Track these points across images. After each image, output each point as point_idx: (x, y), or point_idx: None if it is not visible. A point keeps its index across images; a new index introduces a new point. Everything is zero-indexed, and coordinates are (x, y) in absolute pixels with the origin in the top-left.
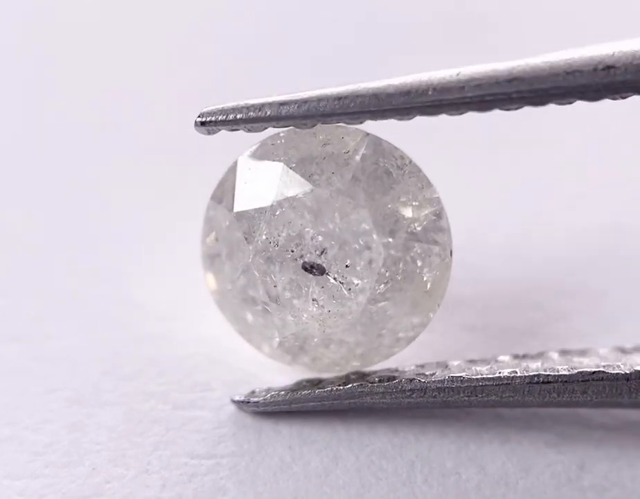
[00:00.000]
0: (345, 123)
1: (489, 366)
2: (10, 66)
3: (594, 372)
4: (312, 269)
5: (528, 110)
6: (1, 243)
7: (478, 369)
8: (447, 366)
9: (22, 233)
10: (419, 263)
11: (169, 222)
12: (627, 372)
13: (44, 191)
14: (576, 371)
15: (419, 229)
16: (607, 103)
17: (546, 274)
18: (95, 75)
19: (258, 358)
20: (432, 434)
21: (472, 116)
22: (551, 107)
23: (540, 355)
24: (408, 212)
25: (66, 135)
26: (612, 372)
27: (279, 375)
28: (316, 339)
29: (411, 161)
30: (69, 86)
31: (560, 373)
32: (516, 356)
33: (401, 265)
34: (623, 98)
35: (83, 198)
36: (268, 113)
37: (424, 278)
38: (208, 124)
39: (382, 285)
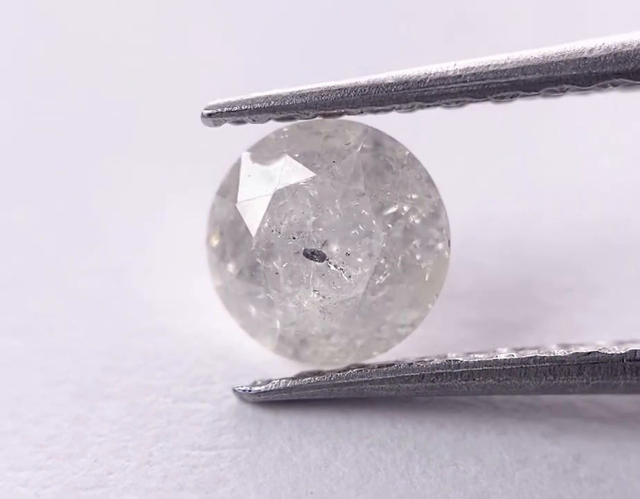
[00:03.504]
0: (346, 113)
1: (487, 354)
2: (12, 61)
3: (589, 353)
4: (313, 255)
5: (526, 106)
6: (4, 238)
7: (476, 355)
8: (445, 358)
9: (24, 228)
10: (418, 256)
11: (172, 217)
12: (623, 352)
13: (46, 186)
14: (572, 352)
15: (418, 222)
16: (606, 97)
17: (543, 269)
18: (99, 70)
19: (258, 353)
20: (430, 426)
21: (471, 112)
22: (552, 104)
23: (538, 348)
24: (407, 205)
25: (70, 131)
26: (607, 353)
27: (280, 369)
28: (316, 328)
29: (410, 155)
30: (73, 82)
31: (556, 355)
32: (515, 349)
33: (400, 257)
34: (614, 85)
35: (86, 193)
36: (272, 103)
37: (423, 271)
38: (214, 115)
39: (381, 277)
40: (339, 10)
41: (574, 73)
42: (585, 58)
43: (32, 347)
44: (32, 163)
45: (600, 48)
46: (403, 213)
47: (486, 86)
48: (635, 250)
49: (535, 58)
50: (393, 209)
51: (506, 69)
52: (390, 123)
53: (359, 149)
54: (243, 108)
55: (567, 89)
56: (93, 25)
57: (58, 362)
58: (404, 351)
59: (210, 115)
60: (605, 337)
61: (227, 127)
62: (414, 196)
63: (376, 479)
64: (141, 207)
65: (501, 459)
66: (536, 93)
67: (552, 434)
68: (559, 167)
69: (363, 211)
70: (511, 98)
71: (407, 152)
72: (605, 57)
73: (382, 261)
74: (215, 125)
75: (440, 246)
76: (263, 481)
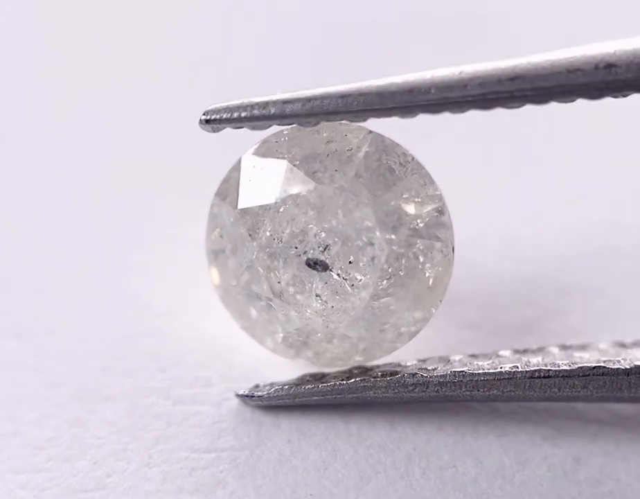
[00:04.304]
0: (348, 120)
1: (490, 361)
2: (13, 62)
3: (595, 367)
4: (316, 265)
5: (528, 109)
6: (3, 240)
7: (479, 363)
8: (449, 361)
9: (24, 230)
10: (421, 259)
11: (171, 218)
12: (628, 367)
13: (45, 188)
14: (577, 366)
15: (421, 225)
16: (606, 102)
17: (543, 271)
18: (99, 73)
19: (257, 354)
20: (429, 428)
21: (473, 115)
22: (551, 106)
23: (541, 350)
24: (410, 209)
25: (69, 132)
26: (612, 367)
27: (280, 371)
28: (319, 334)
29: (413, 158)
30: (73, 84)
31: (561, 368)
32: (517, 351)
33: (403, 261)
34: (624, 96)
35: (84, 195)
36: (272, 111)
37: (427, 275)
38: (212, 122)
39: (385, 281)
40: (341, 11)
41: (584, 82)
42: (596, 69)
43: (32, 349)
44: (32, 164)
45: (611, 58)
46: (406, 217)
47: (493, 96)
48: (635, 251)
49: (543, 68)
50: (396, 214)
51: (514, 79)
52: (393, 125)
53: (362, 153)
54: (242, 115)
55: (577, 99)
56: (95, 26)
57: (58, 364)
58: (404, 351)
59: (208, 121)
60: (605, 339)
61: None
62: (417, 200)
63: (376, 481)
64: (141, 208)
65: (500, 461)
66: (545, 103)
67: (551, 436)
68: (559, 168)
69: (366, 218)
70: (518, 106)
71: (410, 156)
72: (617, 69)
73: (385, 266)
74: (214, 131)
75: (443, 249)
76: (262, 483)
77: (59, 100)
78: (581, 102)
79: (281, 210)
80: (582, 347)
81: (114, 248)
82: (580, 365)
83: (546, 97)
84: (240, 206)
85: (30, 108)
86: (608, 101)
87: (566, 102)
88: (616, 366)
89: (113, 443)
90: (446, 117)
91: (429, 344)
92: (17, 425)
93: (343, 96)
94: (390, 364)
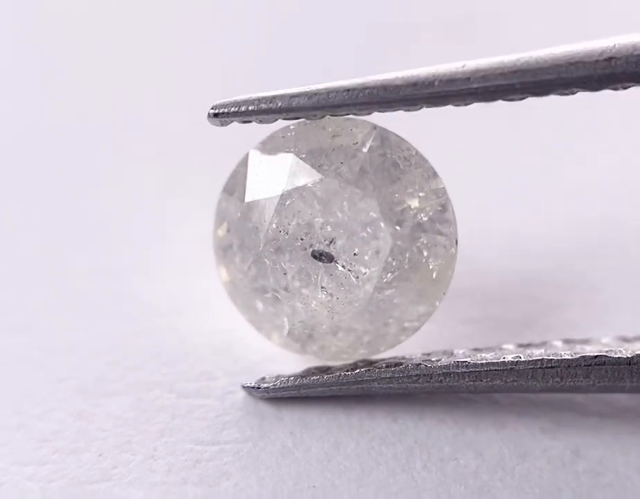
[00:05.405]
0: (354, 114)
1: (494, 353)
2: (14, 62)
3: (596, 356)
4: (321, 256)
5: (529, 105)
6: (6, 238)
7: (483, 355)
8: (452, 354)
9: (27, 229)
10: (425, 253)
11: (173, 216)
12: (629, 356)
13: (48, 186)
14: (579, 355)
15: (425, 219)
16: (606, 96)
17: (545, 267)
18: (101, 70)
19: (260, 349)
20: (430, 421)
21: (475, 111)
22: (552, 101)
23: (544, 344)
24: (414, 203)
25: (71, 131)
26: (614, 356)
27: (284, 365)
28: (324, 326)
29: (417, 153)
30: (74, 83)
31: (563, 357)
32: (520, 345)
33: (407, 255)
34: (624, 88)
35: (87, 193)
36: (279, 104)
37: (430, 268)
38: (220, 115)
39: (389, 274)
40: (347, 9)
41: (584, 74)
42: (596, 61)
43: (36, 345)
44: (32, 163)
45: (611, 51)
46: (410, 212)
47: (495, 89)
48: (635, 247)
49: (544, 61)
50: (400, 208)
51: (516, 71)
52: (396, 120)
53: (367, 148)
54: (250, 109)
55: (577, 91)
56: (98, 22)
57: (62, 359)
58: (408, 346)
59: (216, 115)
60: (606, 334)
61: (232, 124)
62: (421, 194)
63: (377, 473)
64: (142, 207)
65: (500, 453)
66: (546, 95)
67: (551, 429)
68: (560, 164)
69: (371, 210)
70: (520, 99)
71: (414, 150)
72: (617, 61)
73: (390, 259)
74: (222, 124)
75: (447, 243)
76: (265, 475)
77: (59, 99)
78: (582, 98)
79: (287, 202)
80: (585, 341)
81: (117, 247)
82: (582, 355)
83: (546, 89)
84: (247, 199)
85: (29, 107)
86: (609, 95)
87: (566, 94)
88: (617, 356)
89: (118, 435)
90: (449, 112)
91: (432, 339)
92: (23, 418)
93: (349, 90)
94: (395, 357)
